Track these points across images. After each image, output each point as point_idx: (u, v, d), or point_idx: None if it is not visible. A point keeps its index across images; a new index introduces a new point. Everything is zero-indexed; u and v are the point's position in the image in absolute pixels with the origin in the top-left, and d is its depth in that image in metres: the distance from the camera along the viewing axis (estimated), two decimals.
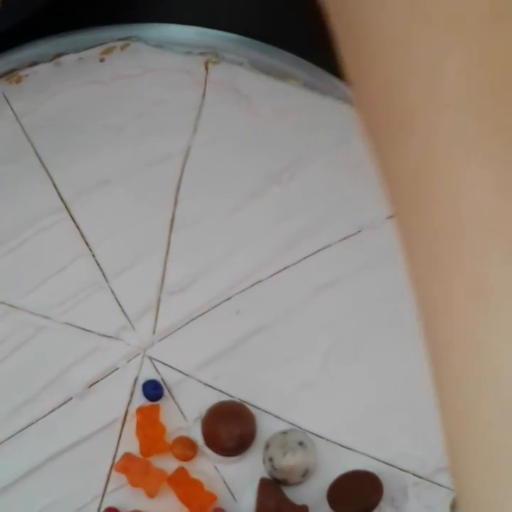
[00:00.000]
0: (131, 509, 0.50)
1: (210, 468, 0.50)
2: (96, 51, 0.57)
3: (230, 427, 0.50)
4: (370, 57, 0.27)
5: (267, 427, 0.50)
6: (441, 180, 0.25)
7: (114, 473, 0.50)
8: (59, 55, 0.57)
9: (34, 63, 0.57)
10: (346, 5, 0.28)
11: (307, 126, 0.56)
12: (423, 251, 0.26)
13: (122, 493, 0.50)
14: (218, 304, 0.53)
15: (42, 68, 0.56)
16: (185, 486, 0.50)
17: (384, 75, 0.26)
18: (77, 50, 0.57)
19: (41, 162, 0.55)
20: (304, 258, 0.54)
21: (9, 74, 0.57)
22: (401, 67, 0.26)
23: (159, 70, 0.57)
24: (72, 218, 0.54)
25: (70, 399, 0.51)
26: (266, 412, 0.51)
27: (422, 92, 0.25)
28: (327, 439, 0.50)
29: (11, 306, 0.52)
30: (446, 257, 0.25)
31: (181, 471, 0.50)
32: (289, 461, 0.48)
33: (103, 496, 0.50)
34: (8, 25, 0.55)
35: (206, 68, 0.57)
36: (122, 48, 0.57)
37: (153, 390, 0.51)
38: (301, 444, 0.49)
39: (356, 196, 0.55)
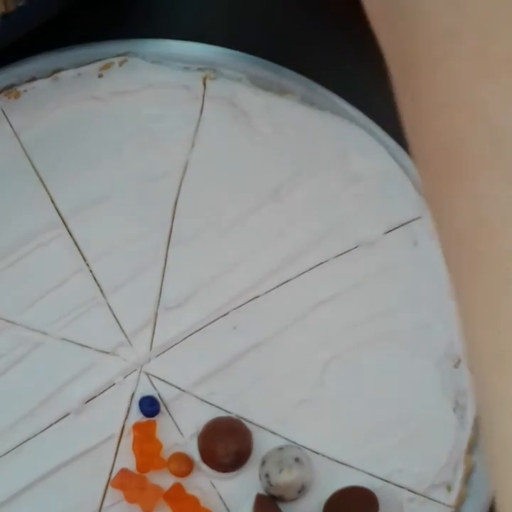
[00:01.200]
0: None
1: (206, 484, 0.50)
2: (94, 67, 0.57)
3: (227, 443, 0.50)
4: (431, 108, 0.27)
5: (263, 443, 0.50)
6: (504, 237, 0.25)
7: (110, 489, 0.50)
8: (57, 70, 0.57)
9: (33, 79, 0.57)
10: (406, 53, 0.28)
11: (305, 142, 0.56)
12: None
13: (118, 509, 0.50)
14: (215, 320, 0.53)
15: (40, 84, 0.56)
16: (181, 502, 0.50)
17: (445, 127, 0.26)
18: (76, 66, 0.57)
19: (39, 177, 0.55)
20: (302, 274, 0.54)
21: (8, 89, 0.57)
22: (463, 121, 0.26)
23: (157, 86, 0.56)
24: (70, 234, 0.54)
25: (67, 414, 0.51)
26: (262, 427, 0.51)
27: (483, 147, 0.25)
28: (323, 455, 0.50)
29: (8, 321, 0.52)
30: None
31: (177, 487, 0.50)
32: (286, 477, 0.49)
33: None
34: (7, 41, 0.55)
35: (204, 84, 0.57)
36: (120, 64, 0.57)
37: (150, 406, 0.51)
38: (297, 460, 0.49)
39: (354, 211, 0.55)
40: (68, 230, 0.54)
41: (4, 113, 0.56)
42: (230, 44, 0.58)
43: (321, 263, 0.54)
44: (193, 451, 0.51)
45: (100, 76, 0.57)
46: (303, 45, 0.61)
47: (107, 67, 0.57)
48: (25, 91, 0.56)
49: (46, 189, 0.55)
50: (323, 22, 0.61)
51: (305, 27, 0.61)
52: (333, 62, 0.60)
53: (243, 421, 0.51)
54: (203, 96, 0.57)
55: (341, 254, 0.54)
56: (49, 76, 0.57)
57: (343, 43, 0.60)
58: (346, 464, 0.50)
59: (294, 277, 0.54)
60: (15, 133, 0.56)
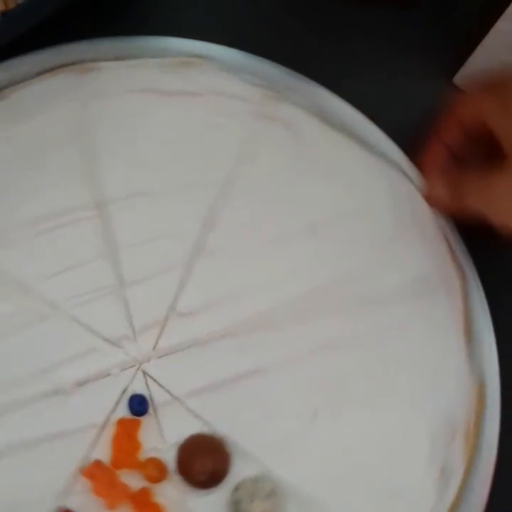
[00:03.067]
0: None
1: (176, 495, 0.49)
2: (176, 61, 0.58)
3: (205, 461, 0.49)
4: None
5: (241, 468, 0.50)
6: None
7: (79, 476, 0.50)
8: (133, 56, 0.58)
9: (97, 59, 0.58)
10: None
11: (357, 185, 0.57)
12: None
13: (82, 499, 0.49)
14: (223, 336, 0.53)
15: (115, 64, 0.57)
16: (146, 507, 0.49)
17: None
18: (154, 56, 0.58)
19: (95, 155, 0.55)
20: (318, 315, 0.54)
21: (81, 64, 0.57)
22: None
23: (223, 94, 0.57)
24: (104, 219, 0.54)
25: (56, 392, 0.51)
26: (244, 452, 0.50)
27: None
28: (300, 492, 0.50)
29: (24, 286, 0.52)
30: None
31: (145, 492, 0.50)
32: (256, 509, 0.48)
33: (63, 495, 0.49)
34: (7, 39, 0.54)
35: (267, 102, 0.58)
36: (194, 65, 0.58)
37: (139, 405, 0.51)
38: (271, 493, 0.48)
39: (382, 262, 0.55)
40: (105, 214, 0.54)
41: (77, 85, 0.57)
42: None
43: (338, 308, 0.54)
44: (170, 460, 0.50)
45: (177, 72, 0.57)
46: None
47: (186, 65, 0.58)
48: (98, 69, 0.57)
49: (97, 169, 0.55)
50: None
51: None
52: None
53: (227, 442, 0.50)
54: (264, 114, 0.57)
55: (360, 304, 0.54)
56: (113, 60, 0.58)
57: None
58: (323, 504, 0.50)
59: (310, 317, 0.54)
60: (84, 103, 0.56)
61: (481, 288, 0.55)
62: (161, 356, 0.52)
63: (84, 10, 0.59)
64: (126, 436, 0.51)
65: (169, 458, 0.50)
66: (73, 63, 0.57)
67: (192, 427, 0.51)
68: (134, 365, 0.52)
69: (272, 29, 0.63)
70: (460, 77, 0.63)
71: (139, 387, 0.51)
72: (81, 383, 0.51)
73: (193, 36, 0.59)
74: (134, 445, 0.50)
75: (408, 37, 0.64)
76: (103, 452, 0.50)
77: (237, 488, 0.49)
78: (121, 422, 0.51)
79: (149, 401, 0.51)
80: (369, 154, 0.57)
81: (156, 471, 0.50)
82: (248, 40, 0.60)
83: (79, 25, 0.59)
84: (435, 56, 0.64)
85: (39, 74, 0.57)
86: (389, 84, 0.62)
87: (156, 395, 0.51)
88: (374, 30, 0.64)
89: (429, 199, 0.56)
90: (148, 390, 0.52)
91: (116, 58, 0.57)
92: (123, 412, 0.51)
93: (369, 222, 0.56)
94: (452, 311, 0.54)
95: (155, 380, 0.52)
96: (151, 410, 0.51)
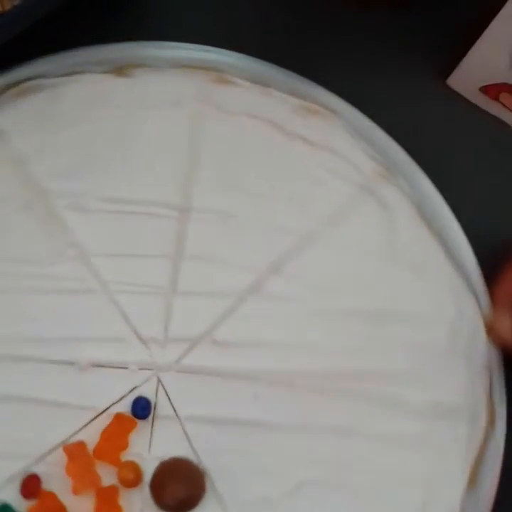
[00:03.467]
0: (49, 489, 0.50)
1: (139, 506, 0.50)
2: (306, 104, 0.58)
3: (179, 487, 0.49)
4: None
5: (210, 508, 0.50)
6: None
7: (59, 450, 0.50)
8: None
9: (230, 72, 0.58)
10: None
11: (428, 289, 0.56)
12: None
13: (52, 471, 0.50)
14: (246, 378, 0.52)
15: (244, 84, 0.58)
16: (108, 505, 0.50)
17: None
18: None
19: (198, 159, 0.56)
20: (338, 396, 0.53)
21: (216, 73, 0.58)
22: None
23: (335, 153, 0.57)
24: (182, 224, 0.54)
25: (72, 364, 0.51)
26: (218, 497, 0.50)
27: None
28: None
29: (84, 255, 0.53)
30: None
31: (114, 490, 0.50)
32: None
33: (37, 460, 0.50)
34: (3, 40, 0.53)
35: (375, 178, 0.57)
36: (322, 115, 0.58)
37: (141, 409, 0.51)
38: None
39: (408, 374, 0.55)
40: (185, 220, 0.54)
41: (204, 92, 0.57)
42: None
43: (361, 399, 0.53)
44: (148, 472, 0.50)
45: (301, 115, 0.58)
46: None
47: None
48: (232, 84, 0.58)
49: (194, 174, 0.55)
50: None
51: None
52: None
53: (207, 477, 0.50)
54: (368, 187, 0.57)
55: (380, 405, 0.54)
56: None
57: None
58: None
59: (332, 394, 0.53)
60: (203, 111, 0.57)
61: (503, 436, 0.54)
62: (181, 372, 0.52)
63: (81, 11, 0.59)
64: (117, 432, 0.51)
65: (148, 469, 0.50)
66: (207, 69, 0.58)
67: (180, 450, 0.51)
68: (153, 370, 0.52)
69: (270, 31, 0.63)
70: (454, 79, 0.63)
71: (148, 392, 0.52)
72: (97, 365, 0.52)
73: (192, 39, 0.59)
74: (122, 443, 0.51)
75: (402, 38, 0.64)
76: (90, 438, 0.50)
77: None
78: (118, 417, 0.51)
79: (152, 409, 0.51)
80: (451, 264, 0.56)
81: (132, 474, 0.50)
82: (247, 42, 0.59)
83: (75, 26, 0.59)
84: (429, 58, 0.64)
85: (173, 66, 0.58)
86: (382, 85, 0.62)
87: (161, 406, 0.52)
88: (368, 32, 0.64)
89: (491, 330, 0.56)
90: (156, 397, 0.52)
91: (253, 80, 0.58)
92: (124, 408, 0.51)
93: (425, 328, 0.55)
94: (466, 446, 0.53)
95: (166, 392, 0.52)
96: (149, 418, 0.51)
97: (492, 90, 0.61)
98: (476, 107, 0.63)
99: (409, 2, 0.63)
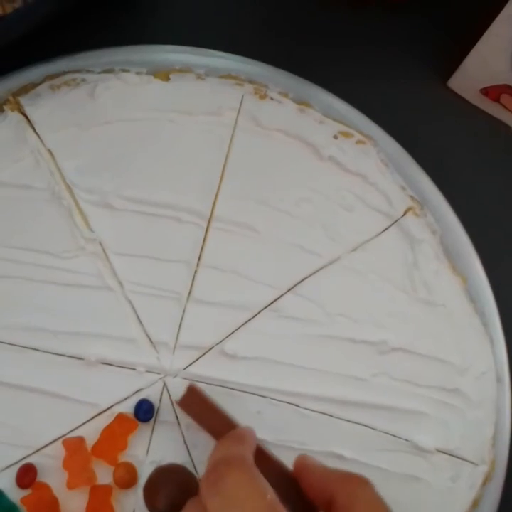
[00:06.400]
0: (44, 481, 0.50)
1: (130, 508, 0.50)
2: (344, 128, 0.58)
3: (172, 494, 0.49)
4: None
5: None
6: None
7: (58, 443, 0.50)
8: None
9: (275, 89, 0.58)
10: None
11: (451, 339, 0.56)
12: None
13: (49, 463, 0.50)
14: (250, 394, 0.52)
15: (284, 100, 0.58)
16: (101, 503, 0.50)
17: None
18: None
19: (225, 169, 0.56)
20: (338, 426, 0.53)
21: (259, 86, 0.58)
22: None
23: (368, 181, 0.57)
24: (204, 231, 0.54)
25: (80, 359, 0.51)
26: None
27: None
28: None
29: (103, 251, 0.53)
30: None
31: (108, 490, 0.50)
32: None
33: (35, 452, 0.50)
34: (3, 43, 0.53)
35: (405, 214, 0.58)
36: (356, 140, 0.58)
37: (144, 413, 0.51)
38: None
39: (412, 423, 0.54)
40: (209, 228, 0.54)
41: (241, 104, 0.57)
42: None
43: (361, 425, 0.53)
44: (143, 475, 0.50)
45: (335, 137, 0.58)
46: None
47: (346, 135, 0.58)
48: (275, 100, 0.58)
49: (221, 183, 0.55)
50: None
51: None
52: None
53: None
54: (398, 221, 0.57)
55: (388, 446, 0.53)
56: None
57: None
58: None
59: (335, 420, 0.53)
60: (241, 124, 0.57)
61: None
62: (187, 379, 0.52)
63: (81, 17, 0.59)
64: (118, 432, 0.51)
65: (143, 473, 0.50)
66: (242, 80, 0.58)
67: (178, 457, 0.51)
68: (160, 374, 0.52)
69: (267, 34, 0.63)
70: (455, 81, 0.63)
71: (152, 395, 0.52)
72: (105, 362, 0.52)
73: (192, 42, 0.59)
74: (121, 443, 0.51)
75: (403, 40, 0.64)
76: (90, 435, 0.51)
77: None
78: (120, 417, 0.51)
79: (155, 413, 0.51)
80: (469, 304, 0.56)
81: (127, 475, 0.50)
82: (245, 45, 0.59)
83: (74, 32, 0.59)
84: (429, 60, 0.64)
85: (209, 74, 0.58)
86: (383, 87, 0.62)
87: (163, 411, 0.52)
88: (369, 34, 0.64)
89: None
90: (160, 402, 0.52)
91: (294, 99, 0.58)
92: (127, 408, 0.51)
93: (433, 366, 0.55)
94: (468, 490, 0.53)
95: (170, 397, 0.52)
96: (151, 421, 0.51)
97: (493, 92, 0.61)
98: (476, 108, 0.63)
99: (410, 2, 0.64)
